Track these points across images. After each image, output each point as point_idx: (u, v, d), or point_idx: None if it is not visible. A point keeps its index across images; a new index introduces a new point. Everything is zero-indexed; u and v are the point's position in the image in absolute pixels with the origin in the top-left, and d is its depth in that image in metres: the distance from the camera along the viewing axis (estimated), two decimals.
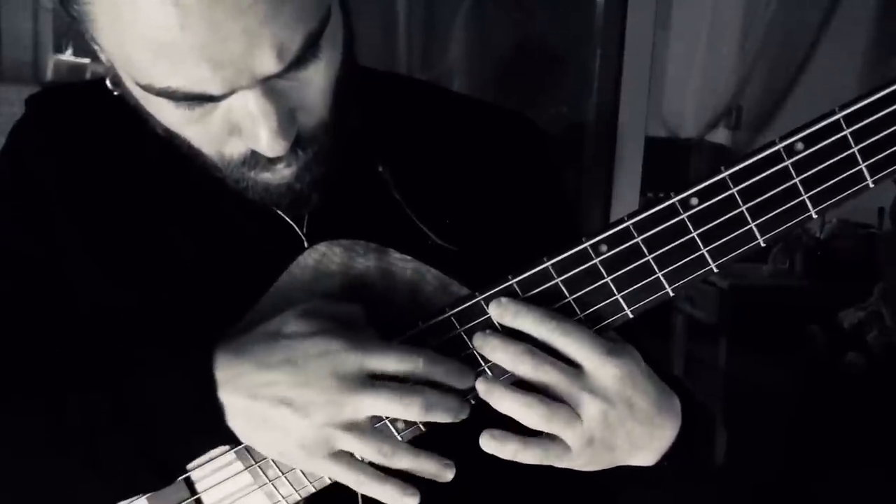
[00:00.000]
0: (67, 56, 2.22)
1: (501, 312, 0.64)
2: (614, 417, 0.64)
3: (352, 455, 0.65)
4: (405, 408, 0.63)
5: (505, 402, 0.64)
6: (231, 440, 0.66)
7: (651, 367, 0.67)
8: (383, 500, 0.66)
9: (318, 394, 0.62)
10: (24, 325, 0.74)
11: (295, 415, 0.62)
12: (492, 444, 0.65)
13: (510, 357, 0.64)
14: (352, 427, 0.63)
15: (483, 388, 0.65)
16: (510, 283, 0.65)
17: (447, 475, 0.66)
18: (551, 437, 0.65)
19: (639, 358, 0.66)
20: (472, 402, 0.67)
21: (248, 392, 0.63)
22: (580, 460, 0.66)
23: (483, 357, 0.66)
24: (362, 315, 0.66)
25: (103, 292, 0.74)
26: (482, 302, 0.65)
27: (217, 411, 0.64)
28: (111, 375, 0.67)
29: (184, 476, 0.70)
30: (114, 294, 0.73)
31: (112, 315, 0.73)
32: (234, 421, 0.64)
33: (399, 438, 0.67)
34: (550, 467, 0.67)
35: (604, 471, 0.69)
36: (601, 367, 0.63)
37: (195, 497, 0.71)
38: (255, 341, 0.64)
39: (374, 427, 0.65)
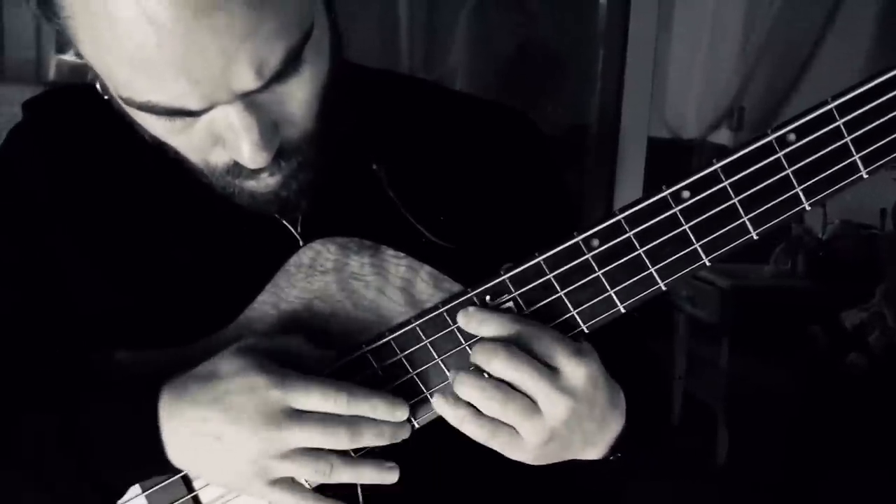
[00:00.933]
0: (70, 56, 2.22)
1: (468, 321, 0.65)
2: (576, 417, 0.64)
3: (292, 479, 0.67)
4: (331, 438, 0.64)
5: (464, 388, 0.64)
6: (172, 471, 0.68)
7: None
8: None
9: (245, 430, 0.64)
10: (2, 333, 0.74)
11: (228, 450, 0.65)
12: (442, 403, 0.65)
13: (486, 354, 0.63)
14: (284, 456, 0.65)
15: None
16: (502, 278, 0.65)
17: (390, 478, 0.67)
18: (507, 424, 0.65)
19: (597, 357, 0.66)
20: (416, 425, 0.67)
21: (186, 429, 0.65)
22: (532, 454, 0.66)
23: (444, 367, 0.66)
24: (304, 345, 0.67)
25: (99, 296, 0.74)
26: (474, 297, 0.65)
27: (158, 445, 0.66)
28: (66, 400, 0.69)
29: (182, 473, 0.70)
30: (110, 297, 0.74)
31: (108, 318, 0.73)
32: (177, 455, 0.67)
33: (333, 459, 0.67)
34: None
35: (557, 465, 0.69)
36: (575, 367, 0.63)
37: (192, 494, 0.71)
38: (194, 380, 0.66)
39: (307, 450, 0.65)
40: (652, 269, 0.63)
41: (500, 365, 0.63)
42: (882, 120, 0.58)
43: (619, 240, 0.63)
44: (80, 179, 0.76)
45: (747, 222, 0.61)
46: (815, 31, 3.77)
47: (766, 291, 3.12)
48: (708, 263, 0.63)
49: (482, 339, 0.64)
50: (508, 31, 2.51)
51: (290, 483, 0.67)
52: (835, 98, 0.58)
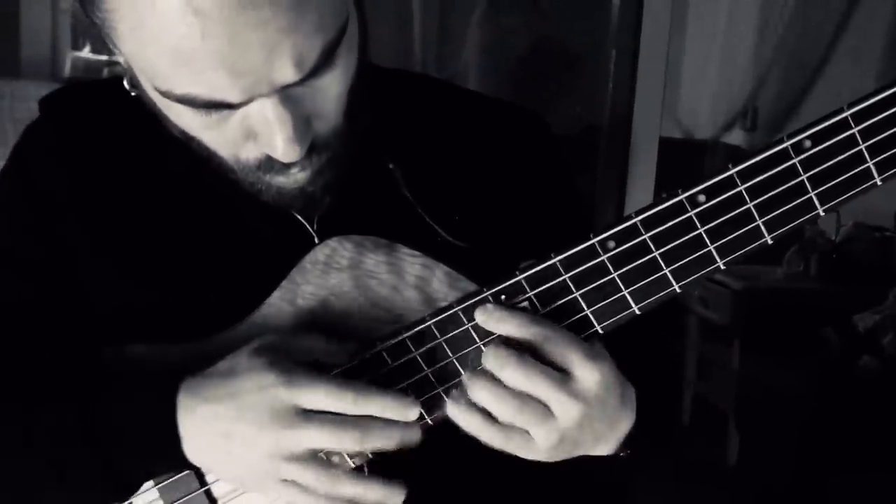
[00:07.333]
0: (85, 53, 2.23)
1: (486, 318, 0.65)
2: (588, 419, 0.64)
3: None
4: (339, 440, 0.64)
5: (479, 393, 0.64)
6: (187, 466, 0.69)
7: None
8: None
9: (253, 428, 0.64)
10: (20, 328, 0.75)
11: (238, 447, 0.65)
12: (456, 410, 0.65)
13: (499, 361, 0.64)
14: (293, 458, 0.65)
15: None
16: (518, 278, 0.65)
17: (396, 500, 0.66)
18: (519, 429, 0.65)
19: (610, 358, 0.66)
20: (430, 422, 0.67)
21: (200, 424, 0.66)
22: (544, 454, 0.67)
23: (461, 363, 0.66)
24: (323, 344, 0.67)
25: (115, 290, 0.75)
26: (490, 297, 0.66)
27: (175, 440, 0.66)
28: (85, 394, 0.69)
29: (194, 468, 0.71)
30: (125, 291, 0.74)
31: (125, 312, 0.74)
32: (192, 451, 0.67)
33: (351, 465, 0.68)
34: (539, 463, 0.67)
35: (564, 464, 0.69)
36: (587, 371, 0.63)
37: (205, 488, 0.71)
38: (211, 377, 0.67)
39: (317, 456, 0.66)
40: (667, 272, 0.64)
41: (512, 373, 0.63)
42: None
43: (634, 242, 0.63)
44: (97, 176, 0.76)
45: (762, 226, 0.62)
46: (830, 31, 3.75)
47: (779, 293, 3.11)
48: (723, 267, 0.64)
49: (495, 345, 0.64)
50: (521, 30, 2.51)
51: (299, 484, 0.66)
52: (850, 106, 0.59)
